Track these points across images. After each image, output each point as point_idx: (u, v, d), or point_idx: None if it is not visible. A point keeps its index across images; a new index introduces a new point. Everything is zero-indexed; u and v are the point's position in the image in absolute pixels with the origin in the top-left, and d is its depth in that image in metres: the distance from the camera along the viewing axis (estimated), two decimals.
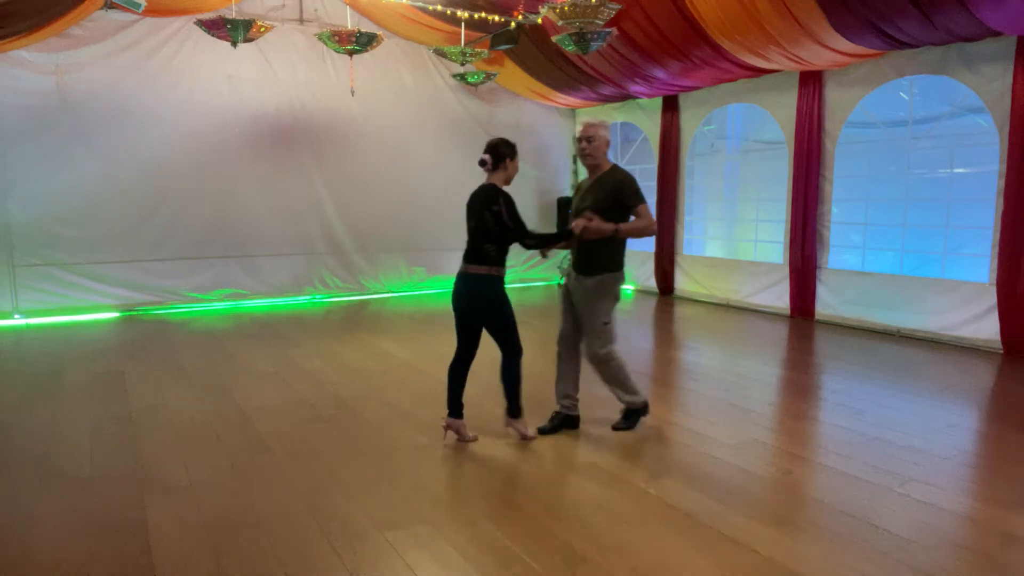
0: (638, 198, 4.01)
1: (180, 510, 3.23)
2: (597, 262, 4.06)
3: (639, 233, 4.03)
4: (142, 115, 8.01)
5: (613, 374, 4.20)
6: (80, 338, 7.00)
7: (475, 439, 4.10)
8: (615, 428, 4.28)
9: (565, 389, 4.31)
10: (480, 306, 3.96)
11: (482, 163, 3.98)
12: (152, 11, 7.31)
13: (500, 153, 3.97)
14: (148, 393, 5.07)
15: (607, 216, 3.94)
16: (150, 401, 4.88)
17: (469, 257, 3.96)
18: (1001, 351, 6.18)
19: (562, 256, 11.05)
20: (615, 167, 4.16)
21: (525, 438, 4.06)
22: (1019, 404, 4.97)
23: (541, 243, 4.02)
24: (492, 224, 3.83)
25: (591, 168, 4.18)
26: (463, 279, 3.98)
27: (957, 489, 3.52)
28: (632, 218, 4.03)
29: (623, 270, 4.17)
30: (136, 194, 8.07)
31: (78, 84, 7.67)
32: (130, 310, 8.17)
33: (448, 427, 4.08)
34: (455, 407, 4.09)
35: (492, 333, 4.01)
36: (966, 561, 2.80)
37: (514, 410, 4.07)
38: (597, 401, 4.81)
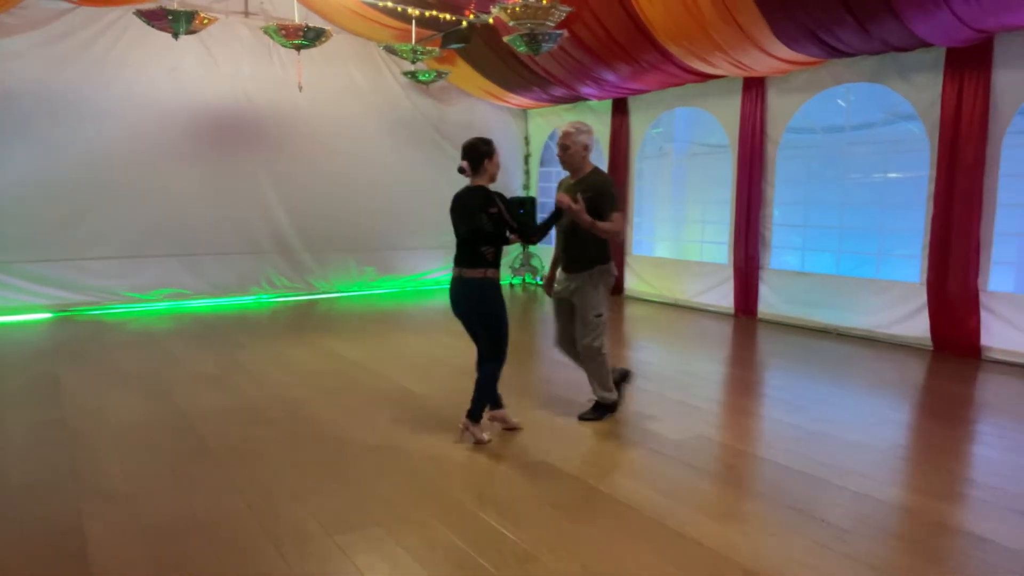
0: (613, 206, 4.14)
1: (119, 517, 3.11)
2: (586, 259, 4.21)
3: (609, 234, 4.16)
4: (77, 108, 7.69)
5: (600, 369, 4.32)
6: (10, 340, 6.67)
7: (519, 427, 4.21)
8: (582, 418, 4.39)
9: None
10: (478, 310, 3.95)
11: (461, 171, 3.91)
12: (88, 0, 7.04)
13: (479, 153, 3.88)
14: (84, 396, 4.88)
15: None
16: (86, 405, 4.69)
17: (463, 261, 3.91)
18: (931, 348, 6.48)
19: (513, 256, 11.09)
20: (596, 170, 4.26)
21: (480, 442, 4.01)
22: (947, 398, 5.22)
23: (543, 232, 3.98)
24: (491, 227, 3.79)
25: (574, 171, 4.27)
26: (460, 284, 3.94)
27: (891, 480, 3.67)
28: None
29: (611, 263, 4.33)
30: (71, 190, 7.74)
31: (8, 74, 7.31)
32: (64, 311, 7.83)
33: (493, 419, 4.18)
34: (494, 399, 4.14)
35: (483, 335, 4.00)
36: (900, 550, 2.93)
37: (476, 414, 4.02)
38: (551, 400, 4.85)
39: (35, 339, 6.78)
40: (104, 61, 7.79)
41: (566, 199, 3.98)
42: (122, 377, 5.40)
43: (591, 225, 4.05)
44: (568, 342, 4.43)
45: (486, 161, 3.90)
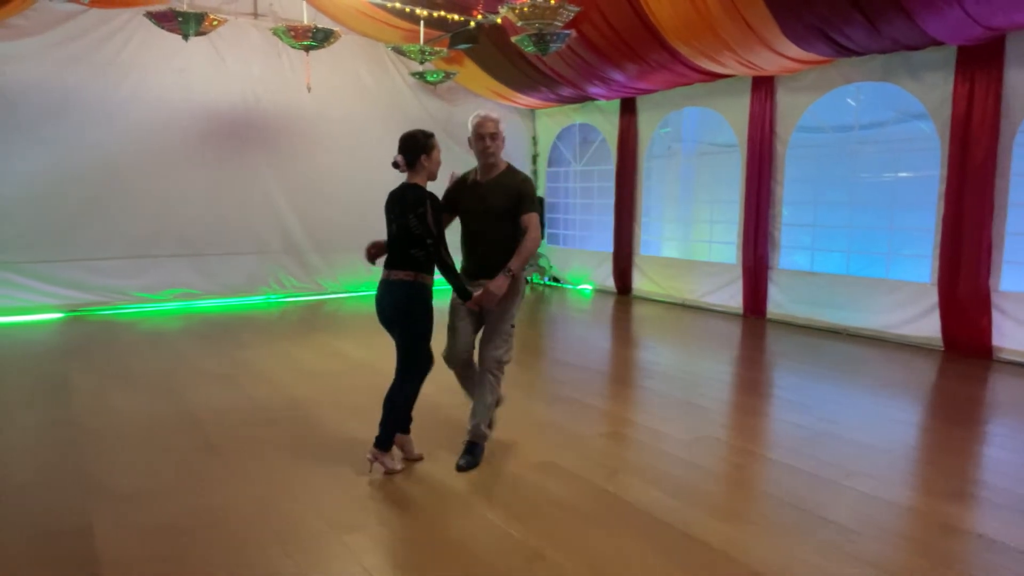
0: (534, 205, 3.68)
1: (127, 516, 3.13)
2: (504, 265, 3.64)
3: (529, 255, 3.64)
4: (88, 109, 7.75)
5: (495, 391, 3.79)
6: (21, 340, 6.73)
7: (420, 458, 3.77)
8: (461, 469, 3.66)
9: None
10: (400, 313, 3.55)
11: (395, 165, 3.54)
12: (99, 2, 7.09)
13: (417, 146, 3.49)
14: (93, 396, 4.91)
15: (506, 221, 3.66)
16: (95, 404, 4.73)
17: (393, 262, 3.54)
18: (942, 348, 6.43)
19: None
20: (512, 167, 3.78)
21: (391, 472, 3.58)
22: (957, 399, 5.18)
23: (447, 271, 3.53)
24: (417, 229, 3.44)
25: (489, 167, 3.72)
26: (385, 287, 3.55)
27: (899, 481, 3.65)
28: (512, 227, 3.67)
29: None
30: (81, 190, 7.80)
31: (20, 76, 7.38)
32: (75, 310, 7.89)
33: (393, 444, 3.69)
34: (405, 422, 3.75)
35: (398, 343, 3.62)
36: (907, 551, 2.91)
37: (385, 441, 3.56)
38: (558, 400, 4.85)
39: (46, 339, 6.84)
40: (114, 63, 7.85)
41: (476, 301, 3.54)
42: (131, 377, 5.44)
43: (512, 276, 3.58)
44: (466, 356, 3.82)
45: (423, 156, 3.51)
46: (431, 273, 3.55)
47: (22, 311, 7.59)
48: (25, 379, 5.35)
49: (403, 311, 3.55)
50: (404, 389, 3.63)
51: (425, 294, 3.55)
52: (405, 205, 3.49)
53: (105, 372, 5.54)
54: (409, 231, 3.47)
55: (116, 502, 3.27)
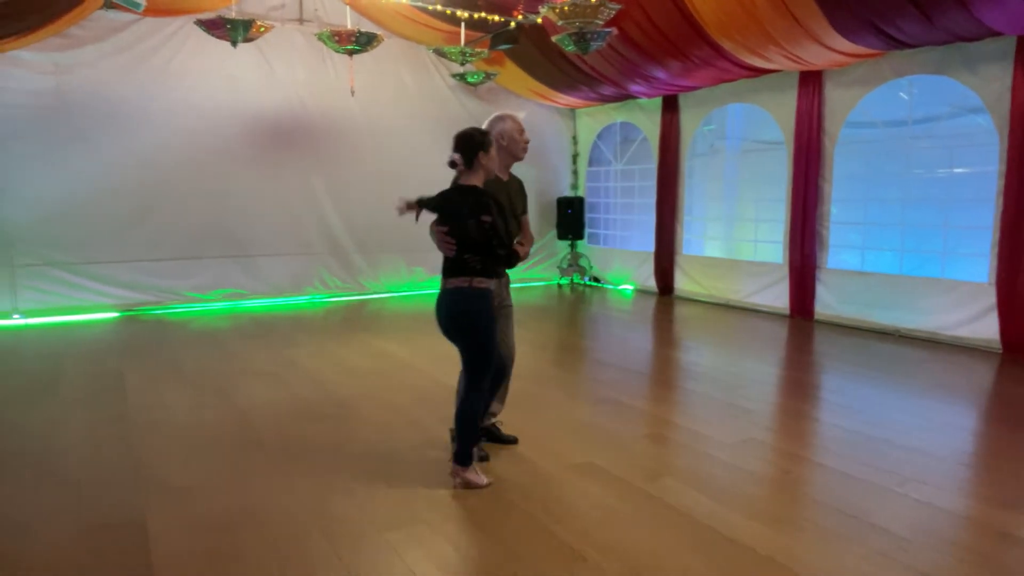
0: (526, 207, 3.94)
1: (179, 510, 3.23)
2: None
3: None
4: (141, 115, 8.02)
5: None
6: (79, 338, 7.00)
7: (486, 457, 3.75)
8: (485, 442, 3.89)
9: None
10: (458, 324, 3.40)
11: (452, 164, 3.38)
12: (152, 11, 7.31)
13: (474, 144, 3.34)
14: (147, 393, 5.07)
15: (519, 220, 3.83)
16: (149, 401, 4.88)
17: (447, 270, 3.41)
18: (1000, 351, 6.18)
19: (561, 256, 11.05)
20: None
21: (475, 487, 3.43)
22: (1017, 404, 4.97)
23: (513, 262, 3.47)
24: (478, 235, 3.28)
25: (508, 167, 3.87)
26: (444, 296, 3.43)
27: (955, 489, 3.52)
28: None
29: None
30: (135, 194, 8.07)
31: (77, 84, 7.68)
32: (129, 310, 8.17)
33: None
34: (475, 434, 3.63)
35: (463, 355, 3.47)
36: (963, 560, 2.80)
37: (463, 456, 3.42)
38: (599, 400, 4.81)
39: (102, 337, 7.09)
40: (165, 69, 8.10)
41: (526, 251, 3.56)
42: (183, 374, 5.60)
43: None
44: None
45: (480, 154, 3.34)
46: (489, 276, 3.38)
47: (80, 310, 7.90)
48: (83, 376, 5.55)
49: (459, 321, 3.39)
50: (470, 399, 3.44)
51: (482, 299, 3.36)
52: (464, 208, 3.31)
53: (158, 370, 5.72)
54: (468, 235, 3.29)
55: (168, 497, 3.37)
